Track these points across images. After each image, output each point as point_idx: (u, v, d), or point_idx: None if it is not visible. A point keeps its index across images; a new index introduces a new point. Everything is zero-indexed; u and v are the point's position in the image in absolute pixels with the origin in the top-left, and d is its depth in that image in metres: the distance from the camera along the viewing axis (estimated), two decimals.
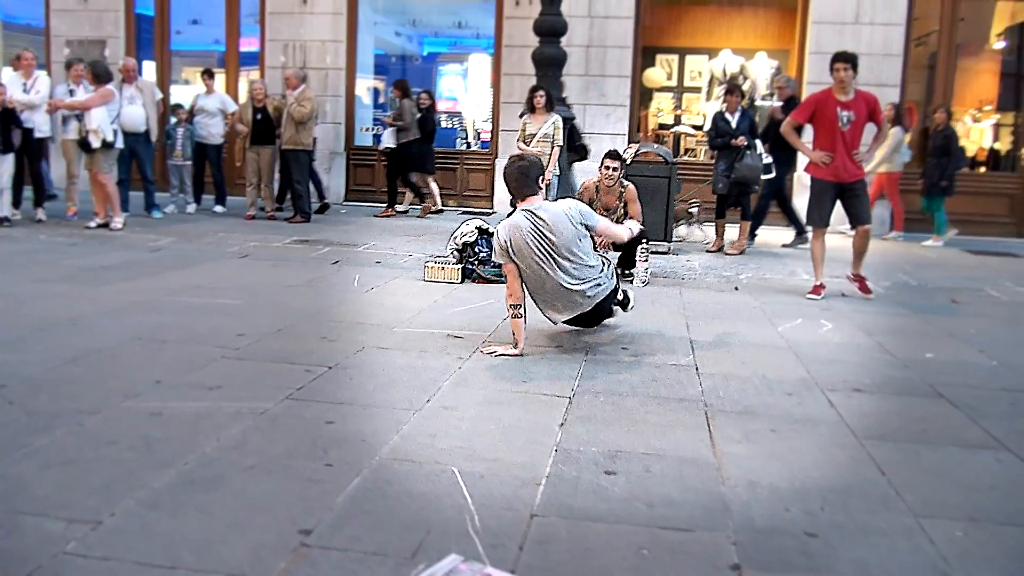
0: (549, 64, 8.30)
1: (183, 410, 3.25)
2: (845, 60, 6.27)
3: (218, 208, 10.48)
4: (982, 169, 11.32)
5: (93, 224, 8.45)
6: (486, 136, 13.27)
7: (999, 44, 11.47)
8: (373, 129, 12.69)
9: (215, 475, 2.66)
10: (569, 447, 3.03)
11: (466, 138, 13.22)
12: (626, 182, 6.87)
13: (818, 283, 6.38)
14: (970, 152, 11.40)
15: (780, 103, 9.02)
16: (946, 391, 3.93)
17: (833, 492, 2.73)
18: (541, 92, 7.86)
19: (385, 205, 10.91)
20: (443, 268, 6.41)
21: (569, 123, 8.36)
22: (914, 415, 3.61)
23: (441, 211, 11.07)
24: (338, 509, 2.46)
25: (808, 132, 6.61)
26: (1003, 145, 11.34)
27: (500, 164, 11.61)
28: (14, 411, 3.19)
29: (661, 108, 12.81)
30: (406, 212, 11.01)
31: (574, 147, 9.61)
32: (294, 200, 9.78)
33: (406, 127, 10.36)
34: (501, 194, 11.55)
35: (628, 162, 7.89)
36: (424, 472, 2.75)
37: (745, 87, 11.57)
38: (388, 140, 10.56)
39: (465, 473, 2.74)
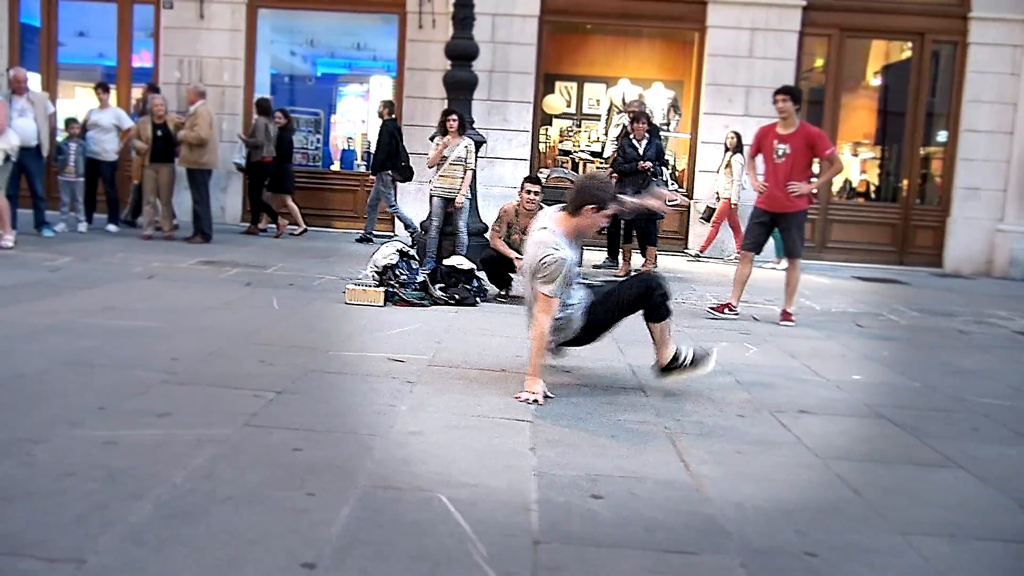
0: (461, 87, 8.31)
1: (138, 438, 3.02)
2: (783, 92, 6.50)
3: (111, 227, 9.94)
4: (860, 200, 12.08)
5: None
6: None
7: (876, 81, 12.33)
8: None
9: (194, 507, 2.47)
10: (548, 471, 2.99)
11: (363, 159, 13.09)
12: (545, 206, 6.90)
13: (727, 302, 6.64)
14: (849, 184, 12.20)
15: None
16: (884, 412, 4.13)
17: (816, 512, 2.80)
18: (454, 116, 7.85)
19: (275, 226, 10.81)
20: (365, 291, 6.25)
21: (480, 146, 8.38)
22: (864, 435, 3.78)
23: (305, 231, 10.86)
24: (335, 541, 2.33)
25: None
26: (883, 177, 12.15)
27: (401, 187, 11.49)
28: None
29: (548, 135, 13.01)
30: (265, 230, 10.80)
31: (398, 167, 10.23)
32: (195, 220, 9.37)
33: (257, 144, 10.22)
34: None
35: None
36: (411, 500, 2.65)
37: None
38: (236, 157, 10.52)
39: (453, 500, 2.65)
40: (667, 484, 2.96)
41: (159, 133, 9.26)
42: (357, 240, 10.48)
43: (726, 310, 6.61)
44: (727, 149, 10.60)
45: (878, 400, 4.36)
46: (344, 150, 13.19)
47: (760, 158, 6.73)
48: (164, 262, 7.64)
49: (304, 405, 3.61)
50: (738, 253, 10.29)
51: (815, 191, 6.66)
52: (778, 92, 6.52)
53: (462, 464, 3.00)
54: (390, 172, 10.32)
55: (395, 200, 10.51)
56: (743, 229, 10.50)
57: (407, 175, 10.46)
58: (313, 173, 12.18)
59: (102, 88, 10.12)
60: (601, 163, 12.11)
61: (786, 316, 6.55)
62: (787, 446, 3.52)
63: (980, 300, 8.74)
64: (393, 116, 10.47)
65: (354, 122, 13.69)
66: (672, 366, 4.23)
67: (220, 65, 11.67)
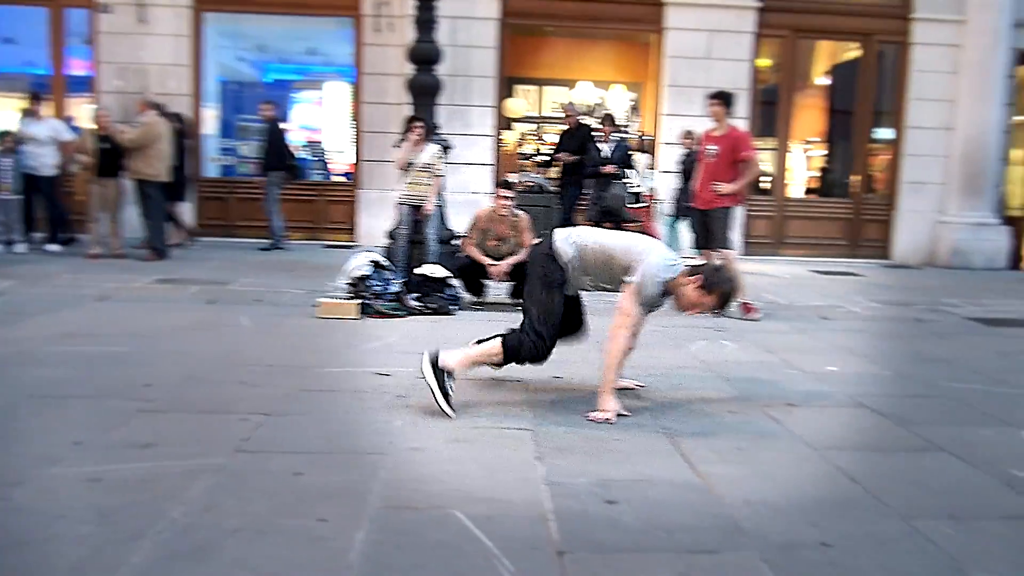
0: (425, 92, 8.18)
1: (124, 473, 2.88)
2: (712, 97, 6.81)
3: (52, 247, 9.53)
4: (813, 196, 12.32)
5: None
6: (334, 167, 13.00)
7: (826, 81, 12.60)
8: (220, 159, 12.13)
9: (200, 543, 2.37)
10: (558, 480, 2.97)
11: (324, 169, 12.86)
12: (519, 212, 6.89)
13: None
14: (803, 180, 12.42)
15: (569, 128, 9.42)
16: (865, 401, 4.21)
17: (823, 503, 2.85)
18: (420, 122, 7.74)
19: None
20: (339, 303, 6.13)
21: (449, 152, 8.30)
22: (852, 425, 3.84)
23: (186, 244, 10.55)
24: (359, 568, 2.26)
25: None
26: (835, 173, 12.37)
27: (363, 195, 11.38)
28: None
29: (504, 139, 12.94)
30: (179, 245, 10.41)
31: (286, 166, 10.48)
32: (148, 235, 9.11)
33: None
34: (364, 227, 11.30)
35: None
36: (428, 519, 2.60)
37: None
38: None
39: (470, 516, 2.61)
40: (678, 485, 2.97)
41: (106, 146, 8.94)
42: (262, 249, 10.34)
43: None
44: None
45: (857, 390, 4.44)
46: (303, 159, 12.90)
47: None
48: (118, 282, 7.35)
49: (297, 427, 3.51)
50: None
51: (738, 190, 6.83)
52: (710, 96, 6.82)
53: (472, 478, 2.95)
54: (279, 172, 10.42)
55: (274, 207, 10.52)
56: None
57: (296, 173, 10.83)
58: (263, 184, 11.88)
59: (35, 98, 9.70)
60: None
61: (747, 308, 6.63)
62: (783, 440, 3.56)
63: (929, 289, 8.97)
64: (276, 117, 10.65)
65: (307, 130, 13.47)
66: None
67: (164, 72, 11.30)
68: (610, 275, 3.92)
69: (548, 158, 11.21)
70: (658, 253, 3.88)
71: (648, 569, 2.33)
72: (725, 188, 6.69)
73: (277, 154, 10.45)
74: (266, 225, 10.55)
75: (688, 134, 9.77)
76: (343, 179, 12.41)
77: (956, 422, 3.93)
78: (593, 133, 9.87)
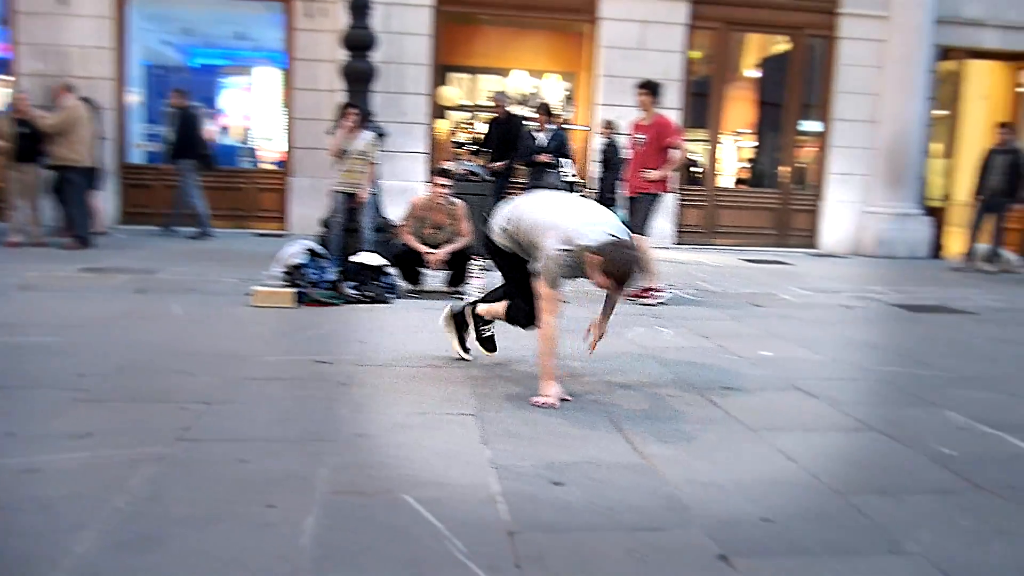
0: (359, 79, 8.10)
1: (63, 463, 2.80)
2: (640, 86, 7.02)
3: None
4: (744, 186, 12.63)
5: None
6: (263, 154, 12.75)
7: (757, 73, 12.89)
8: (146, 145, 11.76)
9: (147, 532, 2.32)
10: (505, 463, 2.99)
11: (252, 156, 12.60)
12: (455, 200, 6.89)
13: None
14: (733, 171, 12.72)
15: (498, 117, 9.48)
16: (800, 384, 4.35)
17: (762, 481, 2.94)
18: (354, 109, 7.66)
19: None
20: (274, 292, 6.04)
21: (384, 139, 8.24)
22: (788, 407, 3.96)
23: (104, 233, 10.22)
24: (311, 553, 2.25)
25: None
26: (765, 164, 12.68)
27: (294, 183, 11.19)
28: None
29: (439, 128, 12.91)
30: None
31: (198, 155, 10.36)
32: (70, 222, 8.78)
33: None
34: (295, 215, 11.12)
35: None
36: (377, 503, 2.60)
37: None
38: None
39: (420, 499, 2.62)
40: (622, 467, 3.02)
41: (26, 131, 8.58)
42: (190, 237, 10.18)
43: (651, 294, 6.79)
44: None
45: (791, 374, 4.58)
46: (221, 145, 12.59)
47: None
48: (42, 271, 7.08)
49: (239, 415, 3.45)
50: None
51: (665, 177, 7.01)
52: (638, 86, 7.02)
53: (419, 463, 2.96)
54: (189, 160, 10.25)
55: (194, 194, 10.33)
56: None
57: (208, 163, 10.56)
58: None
59: None
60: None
61: (647, 291, 6.70)
62: (721, 423, 3.66)
63: (855, 277, 9.33)
64: (191, 104, 10.46)
65: (234, 115, 13.17)
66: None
67: (86, 55, 10.90)
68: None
69: (476, 148, 11.21)
70: (558, 232, 3.79)
71: (598, 547, 2.37)
72: (653, 174, 6.86)
73: (188, 142, 10.22)
74: (192, 214, 10.29)
75: (608, 124, 9.91)
76: (273, 167, 12.18)
77: (885, 403, 4.11)
78: (526, 122, 9.91)
